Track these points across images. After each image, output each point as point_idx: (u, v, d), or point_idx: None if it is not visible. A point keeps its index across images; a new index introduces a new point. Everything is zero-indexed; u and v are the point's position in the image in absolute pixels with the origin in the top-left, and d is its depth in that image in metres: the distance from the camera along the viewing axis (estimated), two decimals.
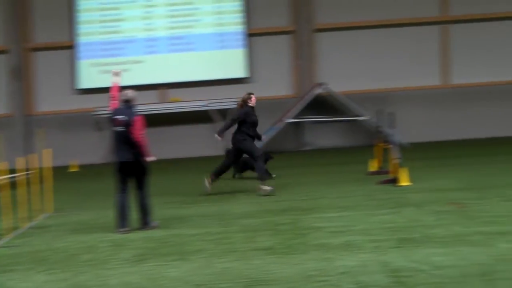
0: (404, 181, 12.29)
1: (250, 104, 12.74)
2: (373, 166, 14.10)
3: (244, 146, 12.48)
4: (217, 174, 12.80)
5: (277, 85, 19.95)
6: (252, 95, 12.86)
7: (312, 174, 14.67)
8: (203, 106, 19.54)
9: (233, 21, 19.83)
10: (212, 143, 19.83)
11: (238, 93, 19.74)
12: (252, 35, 19.84)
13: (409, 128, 19.02)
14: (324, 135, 19.89)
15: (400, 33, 19.79)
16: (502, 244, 7.89)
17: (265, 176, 12.56)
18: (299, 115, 18.99)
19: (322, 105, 19.43)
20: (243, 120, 12.52)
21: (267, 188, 12.23)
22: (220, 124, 19.59)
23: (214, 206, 11.55)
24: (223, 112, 19.63)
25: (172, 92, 20.04)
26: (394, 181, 12.40)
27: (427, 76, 19.84)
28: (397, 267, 7.16)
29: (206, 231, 9.37)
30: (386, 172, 13.24)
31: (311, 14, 19.66)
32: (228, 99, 19.55)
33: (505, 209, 9.82)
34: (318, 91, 18.98)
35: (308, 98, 19.01)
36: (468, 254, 7.55)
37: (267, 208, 10.88)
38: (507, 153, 16.22)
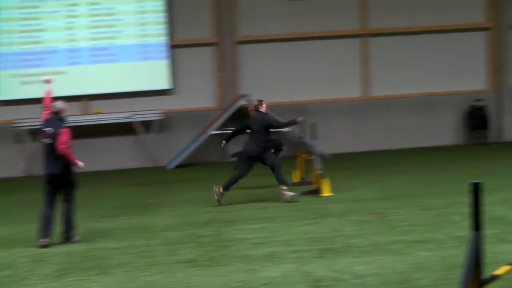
0: (326, 192, 12.47)
1: (262, 110, 12.62)
2: (296, 177, 14.25)
3: (259, 152, 12.26)
4: (229, 186, 12.41)
5: (200, 96, 19.97)
6: (263, 102, 12.78)
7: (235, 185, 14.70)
8: (126, 118, 19.39)
9: (156, 33, 19.77)
10: (135, 155, 19.71)
11: (162, 104, 19.71)
12: (175, 46, 19.81)
13: (331, 139, 19.33)
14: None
15: (322, 46, 20.10)
16: (420, 252, 8.11)
17: (287, 181, 12.39)
18: (222, 126, 19.04)
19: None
20: (262, 127, 12.31)
21: (291, 193, 12.09)
22: (144, 136, 19.48)
23: (136, 219, 11.46)
24: (146, 124, 19.52)
25: (95, 104, 19.80)
26: (316, 191, 12.56)
27: (348, 88, 20.21)
28: (318, 277, 7.27)
29: (129, 245, 9.30)
30: (309, 183, 13.40)
31: (234, 26, 19.78)
32: (151, 111, 19.46)
33: (423, 218, 10.08)
34: (242, 102, 19.07)
35: (231, 110, 19.09)
36: (388, 262, 7.73)
37: (190, 221, 10.87)
38: (424, 163, 16.64)
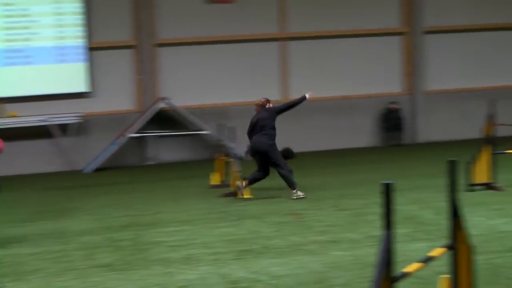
0: (245, 194, 12.53)
1: (268, 107, 12.71)
2: (215, 179, 14.28)
3: (272, 150, 12.32)
4: (252, 183, 12.50)
5: (119, 99, 19.76)
6: (269, 100, 12.86)
7: (154, 189, 14.65)
8: (43, 121, 19.01)
9: (73, 35, 19.45)
10: (53, 159, 19.32)
11: (80, 107, 19.40)
12: (93, 49, 19.54)
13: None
14: (166, 150, 19.89)
15: (241, 49, 20.19)
16: (335, 252, 8.26)
17: (294, 182, 12.35)
18: (141, 129, 18.89)
19: (165, 119, 19.44)
20: (268, 124, 12.37)
21: (300, 194, 12.15)
22: (61, 139, 19.12)
23: (53, 223, 11.26)
24: (64, 127, 19.17)
25: (10, 107, 19.33)
26: (235, 194, 12.62)
27: (267, 91, 20.32)
28: (236, 278, 7.32)
29: (45, 250, 9.13)
30: (228, 185, 13.45)
31: (153, 28, 19.66)
32: (68, 114, 19.13)
33: (339, 218, 10.28)
34: (161, 105, 18.97)
35: (150, 113, 18.97)
36: (304, 263, 7.85)
37: (107, 225, 10.75)
38: (341, 164, 16.94)
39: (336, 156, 18.76)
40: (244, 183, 12.40)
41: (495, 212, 10.08)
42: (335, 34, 20.66)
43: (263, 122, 12.44)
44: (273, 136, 12.44)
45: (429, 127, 21.16)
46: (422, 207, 10.74)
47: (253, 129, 12.59)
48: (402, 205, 10.91)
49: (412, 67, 21.01)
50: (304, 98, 13.01)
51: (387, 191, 4.81)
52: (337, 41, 20.76)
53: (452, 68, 21.37)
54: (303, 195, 12.20)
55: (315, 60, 20.61)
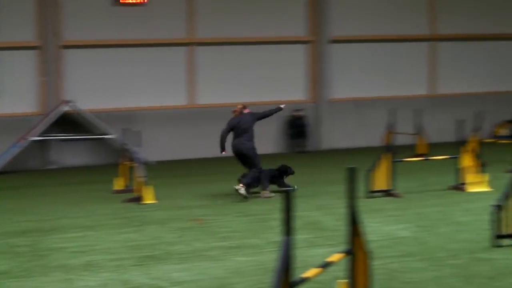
0: (149, 199, 12.46)
1: (245, 112, 13.19)
2: (119, 184, 14.12)
3: (253, 153, 12.85)
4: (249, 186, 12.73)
5: (21, 101, 19.24)
6: (246, 106, 13.44)
7: (56, 193, 14.34)
8: None
9: None
10: None
11: None
12: None
13: (156, 146, 19.30)
14: (70, 154, 19.50)
15: (149, 53, 20.02)
16: (237, 257, 8.33)
17: (254, 183, 12.79)
18: (44, 132, 18.45)
19: (69, 123, 19.06)
20: (250, 127, 12.92)
21: (271, 194, 12.66)
22: None
23: None
24: None
25: None
26: (139, 199, 12.52)
27: (174, 96, 20.29)
28: (137, 285, 7.28)
29: None
30: (132, 191, 13.33)
31: (59, 30, 19.26)
32: None
33: (242, 224, 10.36)
34: (65, 108, 18.59)
35: (54, 116, 18.55)
36: (206, 268, 7.88)
37: (5, 230, 10.45)
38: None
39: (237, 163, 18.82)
40: (243, 187, 12.57)
41: (393, 218, 10.40)
42: (242, 41, 20.79)
43: (245, 125, 12.98)
44: (253, 140, 13.02)
45: (332, 135, 21.58)
46: (324, 213, 10.96)
47: (232, 131, 13.12)
48: (305, 211, 11.12)
49: (318, 75, 21.38)
50: (279, 108, 13.72)
51: (287, 198, 4.90)
52: (245, 48, 20.90)
53: (355, 77, 21.88)
54: (273, 195, 12.71)
55: (222, 66, 20.68)
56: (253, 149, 12.95)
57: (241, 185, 12.56)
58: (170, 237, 9.58)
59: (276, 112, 13.81)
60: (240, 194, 12.41)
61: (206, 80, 20.51)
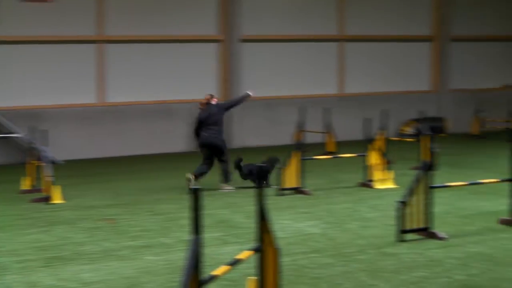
0: (57, 199, 12.22)
1: (213, 103, 13.32)
2: (25, 184, 13.77)
3: (224, 146, 13.22)
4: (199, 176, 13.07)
5: None
6: (213, 95, 13.57)
7: None
8: None
9: None
10: None
11: None
12: None
13: (65, 145, 18.92)
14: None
15: (57, 50, 19.57)
16: (148, 256, 8.29)
17: (230, 177, 13.16)
18: None
19: None
20: (219, 119, 13.11)
21: (229, 187, 12.99)
22: None
23: None
24: None
25: None
26: (47, 199, 12.26)
27: (83, 94, 19.95)
28: (44, 286, 7.14)
29: None
30: (39, 190, 13.03)
31: None
32: None
33: (153, 223, 10.30)
34: None
35: None
36: (116, 268, 7.80)
37: None
38: (158, 169, 16.93)
39: (152, 161, 18.72)
40: (192, 176, 12.87)
41: (302, 215, 10.56)
42: (153, 39, 20.64)
43: (215, 117, 13.13)
44: (223, 132, 13.33)
45: (243, 133, 21.71)
46: (234, 211, 11.02)
47: (202, 125, 13.20)
48: (215, 209, 11.16)
49: (229, 74, 21.45)
50: (247, 95, 13.71)
51: (196, 196, 4.91)
52: (155, 46, 20.76)
53: (266, 76, 22.07)
54: (232, 188, 13.09)
55: (132, 64, 20.46)
56: (224, 141, 13.37)
57: (225, 185, 13.06)
58: (79, 238, 9.43)
59: (244, 99, 13.91)
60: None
61: (116, 78, 20.26)
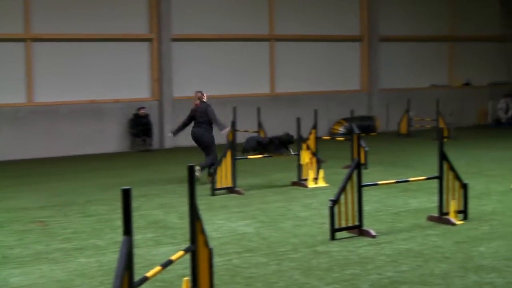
0: None
1: (204, 100, 14.04)
2: None
3: (212, 143, 13.85)
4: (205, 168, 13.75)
5: None
6: (203, 92, 14.16)
7: None
8: None
9: None
10: None
11: None
12: None
13: None
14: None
15: None
16: (80, 259, 8.18)
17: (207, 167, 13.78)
18: None
19: None
20: (206, 118, 13.76)
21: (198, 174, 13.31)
22: None
23: None
24: None
25: None
26: None
27: (13, 94, 19.49)
28: None
29: None
30: None
31: None
32: None
33: (85, 224, 10.16)
34: None
35: None
36: (48, 271, 7.68)
37: None
38: (89, 170, 16.71)
39: (83, 162, 18.47)
40: (199, 169, 13.44)
41: (236, 215, 10.59)
42: (82, 37, 20.35)
43: (204, 115, 13.83)
44: (211, 129, 13.96)
45: None
46: (168, 212, 10.97)
47: (193, 120, 14.04)
48: (149, 210, 11.09)
49: (160, 73, 21.33)
50: (224, 128, 14.02)
51: (126, 197, 4.87)
52: (85, 44, 20.47)
53: (197, 75, 22.03)
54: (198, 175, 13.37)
55: (62, 63, 20.13)
56: (211, 138, 13.92)
57: (198, 168, 13.41)
58: (8, 241, 9.23)
59: (220, 127, 14.03)
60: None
61: (44, 77, 19.90)
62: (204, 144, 13.89)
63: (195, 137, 13.95)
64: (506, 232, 8.93)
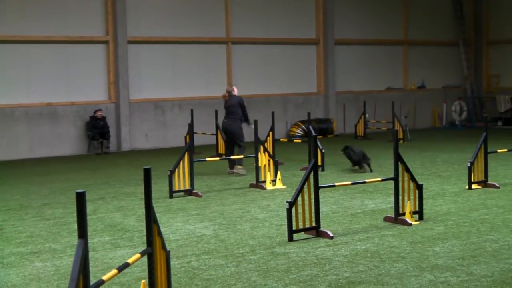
0: None
1: (235, 93, 15.08)
2: None
3: (239, 132, 14.77)
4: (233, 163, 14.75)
5: None
6: (233, 86, 15.36)
7: None
8: None
9: None
10: None
11: None
12: None
13: None
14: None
15: None
16: (35, 263, 8.09)
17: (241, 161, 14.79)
18: None
19: None
20: (236, 108, 14.71)
21: (242, 170, 14.67)
22: None
23: None
24: None
25: None
26: None
27: None
28: None
29: None
30: None
31: None
32: None
33: (41, 228, 10.04)
34: None
35: None
36: (2, 276, 7.58)
37: None
38: (44, 173, 16.50)
39: (39, 165, 18.25)
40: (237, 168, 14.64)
41: (194, 217, 10.58)
42: (38, 39, 20.12)
43: (232, 107, 14.84)
44: (240, 120, 14.85)
45: (133, 135, 21.53)
46: (125, 215, 10.91)
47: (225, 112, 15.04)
48: (106, 213, 11.01)
49: (116, 76, 21.19)
50: (249, 123, 14.94)
51: (81, 200, 4.83)
52: (41, 46, 20.25)
53: (154, 78, 21.97)
54: (244, 173, 14.69)
55: (16, 66, 19.90)
56: (240, 128, 14.90)
57: (239, 167, 14.63)
58: None
59: (248, 122, 15.14)
60: (241, 175, 14.60)
61: (0, 80, 19.64)
62: (234, 135, 14.80)
63: (224, 127, 15.06)
64: (460, 232, 9.08)
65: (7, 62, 19.73)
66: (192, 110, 18.51)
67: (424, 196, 10.24)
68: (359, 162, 14.89)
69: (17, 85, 19.88)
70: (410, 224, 9.51)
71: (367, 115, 23.75)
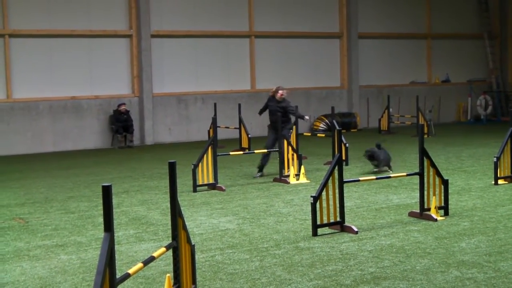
0: None
1: (277, 97, 14.24)
2: None
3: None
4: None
5: None
6: (280, 88, 14.42)
7: None
8: None
9: None
10: None
11: None
12: None
13: None
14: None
15: None
16: (61, 256, 8.13)
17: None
18: None
19: None
20: (277, 111, 14.01)
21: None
22: None
23: None
24: None
25: None
26: None
27: None
28: None
29: None
30: None
31: None
32: None
33: (66, 221, 10.10)
34: None
35: None
36: (29, 268, 7.62)
37: None
38: (69, 166, 16.59)
39: (63, 158, 18.36)
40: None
41: (217, 211, 10.58)
42: (62, 33, 20.23)
43: (273, 108, 14.25)
44: (282, 121, 13.86)
45: (156, 129, 21.58)
46: (149, 208, 10.94)
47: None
48: (131, 207, 11.05)
49: (140, 70, 21.24)
50: (303, 117, 14.44)
51: (107, 193, 4.84)
52: (64, 40, 20.36)
53: (177, 72, 21.99)
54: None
55: (39, 60, 20.01)
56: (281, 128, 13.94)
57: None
58: None
59: (300, 117, 14.60)
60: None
61: (23, 74, 19.79)
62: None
63: (271, 121, 14.41)
64: (487, 228, 8.99)
65: (31, 56, 19.85)
66: (215, 104, 18.52)
67: (449, 191, 10.15)
68: (384, 162, 14.38)
69: (41, 79, 20.00)
70: (436, 220, 9.43)
71: (391, 110, 23.60)
